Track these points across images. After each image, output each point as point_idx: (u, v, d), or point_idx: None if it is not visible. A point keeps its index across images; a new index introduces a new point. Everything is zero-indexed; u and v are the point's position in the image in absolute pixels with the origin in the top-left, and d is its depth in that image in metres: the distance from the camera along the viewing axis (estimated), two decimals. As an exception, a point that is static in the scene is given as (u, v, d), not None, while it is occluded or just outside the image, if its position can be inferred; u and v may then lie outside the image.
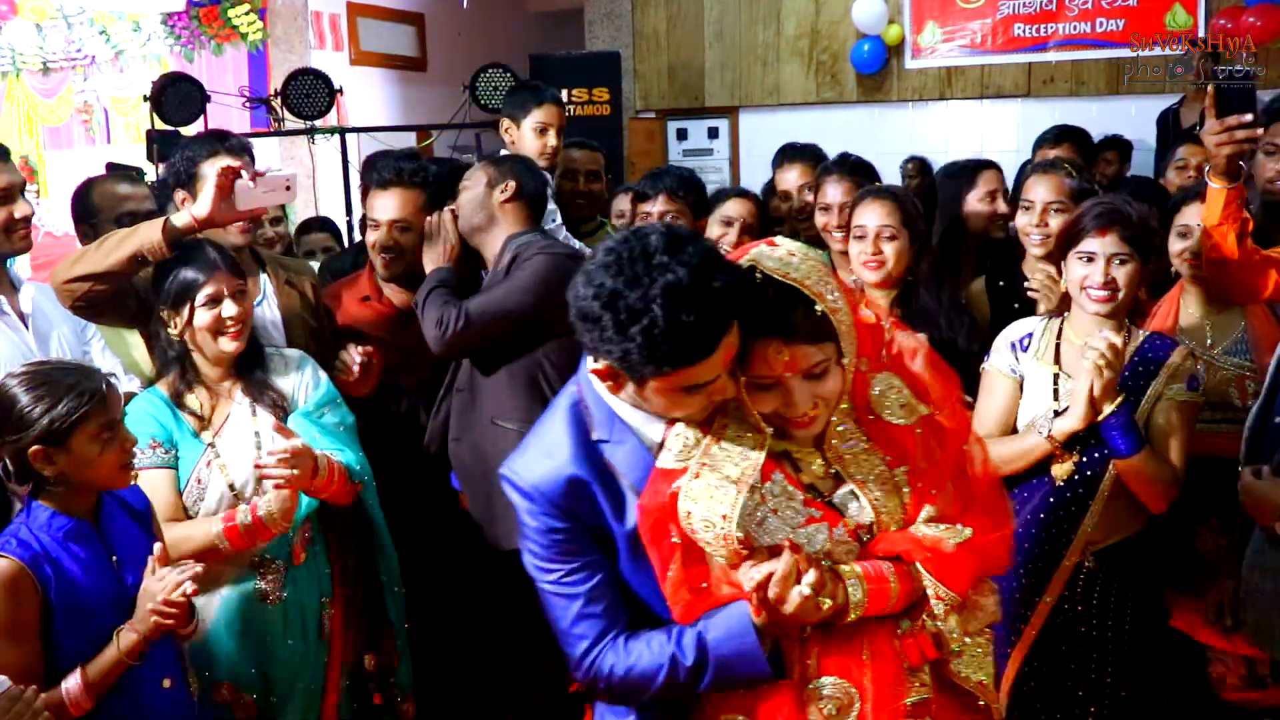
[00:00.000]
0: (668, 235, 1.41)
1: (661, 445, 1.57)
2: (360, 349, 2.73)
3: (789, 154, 3.81)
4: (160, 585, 1.93)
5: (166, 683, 2.02)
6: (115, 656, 1.91)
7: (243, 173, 2.33)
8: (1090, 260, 2.38)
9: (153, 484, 2.22)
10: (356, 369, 2.70)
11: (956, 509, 1.60)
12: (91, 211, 3.01)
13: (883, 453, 1.58)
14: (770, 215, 3.77)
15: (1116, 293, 2.36)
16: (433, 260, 2.84)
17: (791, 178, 3.68)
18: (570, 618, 1.58)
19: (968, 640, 1.60)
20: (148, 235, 2.29)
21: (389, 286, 3.00)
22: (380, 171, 2.96)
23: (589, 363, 1.56)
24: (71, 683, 1.88)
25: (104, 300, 2.36)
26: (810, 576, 1.45)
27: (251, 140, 2.80)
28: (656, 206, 3.21)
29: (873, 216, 2.70)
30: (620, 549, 1.58)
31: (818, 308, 1.47)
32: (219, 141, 2.64)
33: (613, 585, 1.59)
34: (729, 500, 1.49)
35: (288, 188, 2.43)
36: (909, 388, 1.62)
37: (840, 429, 1.58)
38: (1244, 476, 2.24)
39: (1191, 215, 2.68)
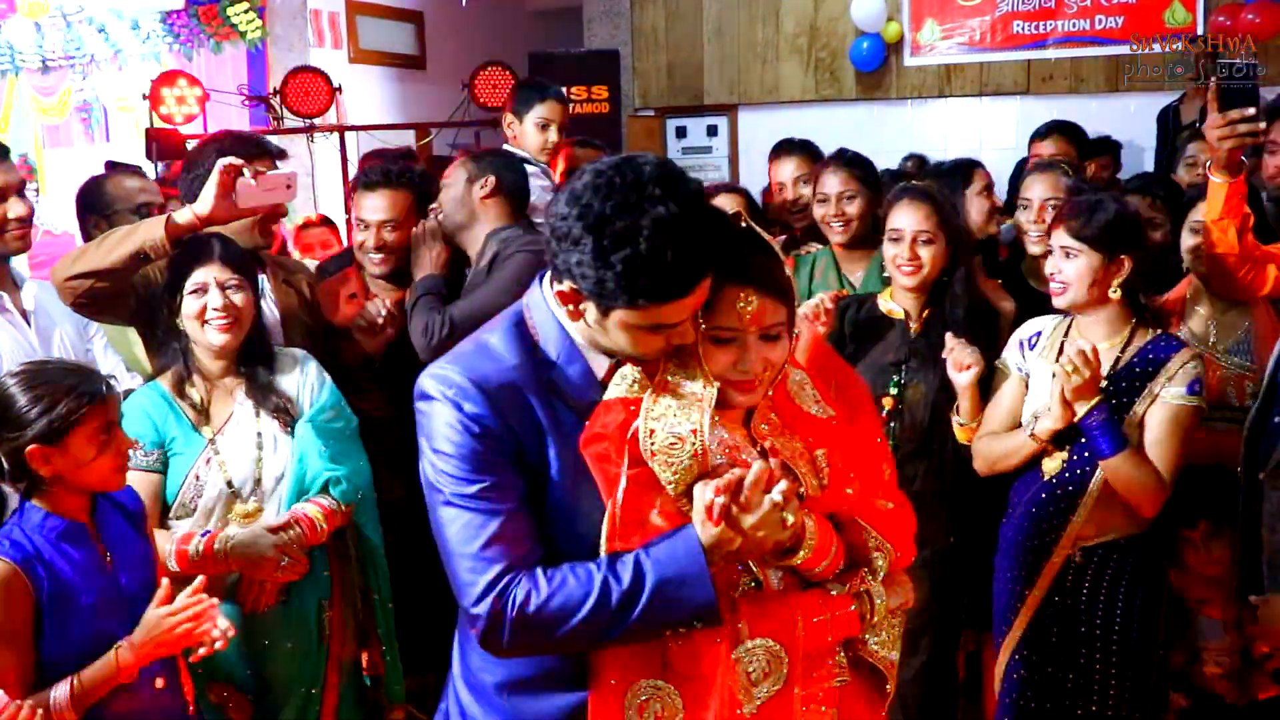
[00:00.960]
0: (662, 167, 1.37)
1: (604, 384, 1.51)
2: (385, 303, 2.79)
3: (784, 148, 3.81)
4: (174, 620, 1.92)
5: (159, 683, 2.01)
6: (110, 672, 1.89)
7: (244, 171, 2.33)
8: (1051, 253, 2.42)
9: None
10: (381, 320, 2.76)
11: (875, 495, 1.61)
12: (105, 204, 3.01)
13: (801, 435, 1.59)
14: (768, 216, 3.77)
15: (1066, 286, 2.36)
16: (421, 268, 2.84)
17: (786, 171, 3.68)
18: (483, 539, 1.41)
19: (886, 618, 1.60)
20: (150, 233, 2.30)
21: (378, 284, 2.99)
22: (367, 173, 2.98)
23: (547, 284, 1.51)
24: (60, 692, 1.85)
25: (105, 298, 2.36)
26: (783, 485, 1.38)
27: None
28: None
29: (909, 219, 2.61)
30: (554, 473, 1.47)
31: (787, 270, 1.52)
32: (255, 145, 2.66)
33: (534, 513, 1.47)
34: (696, 417, 1.45)
35: (288, 186, 2.44)
36: (814, 388, 1.65)
37: (764, 411, 1.60)
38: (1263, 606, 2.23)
39: (1204, 212, 2.68)
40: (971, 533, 2.65)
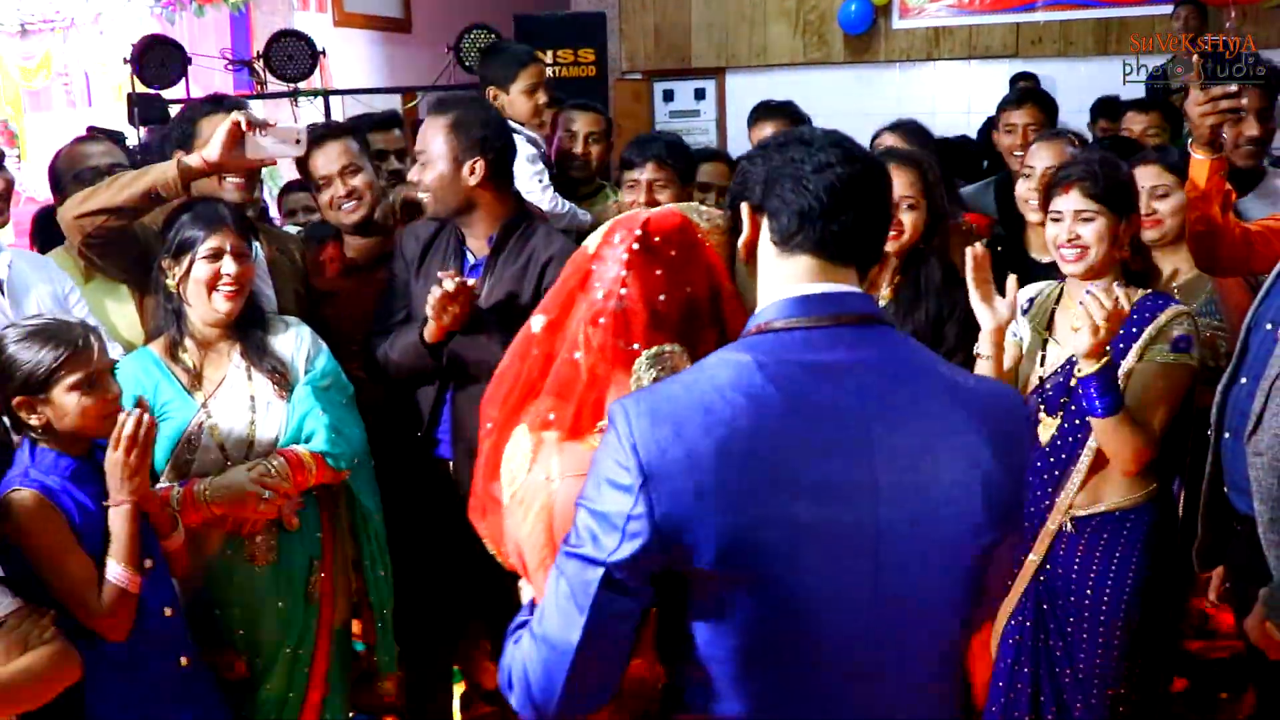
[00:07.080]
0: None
1: None
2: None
3: (763, 111, 3.74)
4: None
5: (168, 611, 2.12)
6: (125, 529, 2.00)
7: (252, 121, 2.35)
8: (1058, 219, 2.36)
9: None
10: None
11: None
12: (73, 171, 2.98)
13: None
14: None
15: (1085, 250, 2.32)
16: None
17: (767, 135, 3.60)
18: None
19: None
20: (163, 172, 2.33)
21: (350, 240, 2.95)
22: (311, 136, 2.73)
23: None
24: (114, 571, 1.98)
25: (115, 237, 2.39)
26: None
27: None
28: (645, 174, 3.04)
29: (894, 183, 2.61)
30: None
31: None
32: (219, 103, 2.65)
33: None
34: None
35: (298, 141, 2.43)
36: None
37: None
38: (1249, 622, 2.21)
39: (1145, 177, 2.67)
40: None
